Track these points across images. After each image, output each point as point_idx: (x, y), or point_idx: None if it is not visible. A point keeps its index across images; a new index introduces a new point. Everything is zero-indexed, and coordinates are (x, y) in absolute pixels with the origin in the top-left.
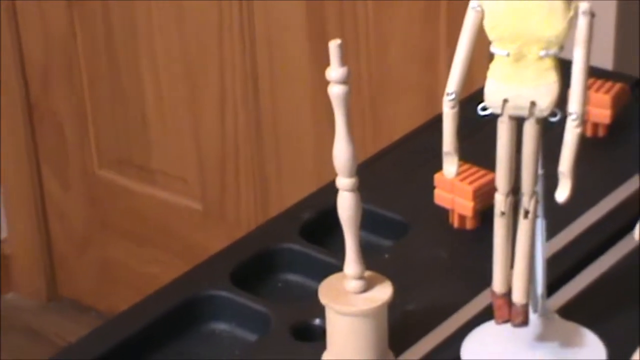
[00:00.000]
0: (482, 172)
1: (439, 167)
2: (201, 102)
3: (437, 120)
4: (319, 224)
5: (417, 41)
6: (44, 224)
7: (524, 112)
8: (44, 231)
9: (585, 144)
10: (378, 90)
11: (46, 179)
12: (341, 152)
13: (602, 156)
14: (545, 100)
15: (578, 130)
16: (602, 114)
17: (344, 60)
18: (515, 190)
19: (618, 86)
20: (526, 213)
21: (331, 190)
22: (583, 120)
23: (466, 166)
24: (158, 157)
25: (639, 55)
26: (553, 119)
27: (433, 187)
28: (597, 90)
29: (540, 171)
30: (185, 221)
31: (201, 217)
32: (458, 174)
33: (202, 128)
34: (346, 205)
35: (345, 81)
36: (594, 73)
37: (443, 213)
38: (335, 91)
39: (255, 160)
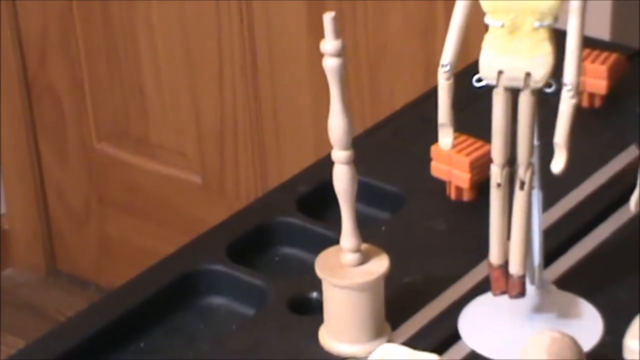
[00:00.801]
0: (479, 143)
1: (436, 139)
2: (199, 74)
3: (435, 92)
4: (316, 197)
5: (416, 12)
6: (43, 199)
7: (519, 84)
8: (42, 206)
9: (581, 115)
10: (377, 61)
11: (44, 154)
12: (336, 125)
13: (598, 127)
14: (540, 72)
15: (573, 101)
16: (598, 84)
17: (338, 33)
18: (511, 162)
19: (614, 57)
20: (522, 184)
21: (328, 163)
22: (578, 91)
23: (463, 138)
24: (156, 130)
25: (638, 25)
26: (548, 90)
27: (430, 159)
28: (593, 61)
29: (536, 142)
30: (184, 195)
31: (200, 191)
32: (455, 145)
33: (200, 101)
34: (341, 178)
35: (339, 54)
36: (590, 44)
37: (440, 185)
38: (330, 64)
39: (254, 133)
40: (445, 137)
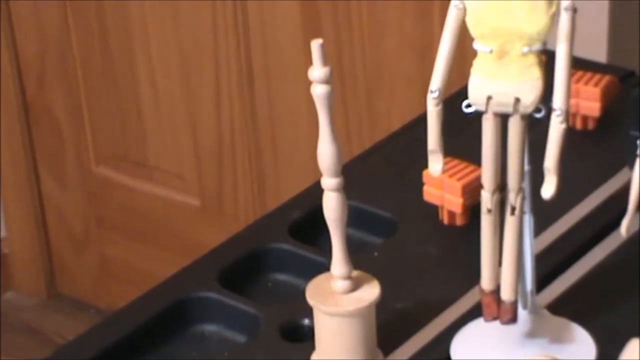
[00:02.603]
0: (471, 167)
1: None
2: (197, 96)
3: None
4: (309, 223)
5: (412, 32)
6: (42, 222)
7: (508, 109)
8: (42, 230)
9: (575, 137)
10: (373, 82)
11: (43, 177)
12: (325, 153)
13: (591, 149)
14: (529, 97)
15: (563, 125)
16: (592, 106)
17: (326, 60)
18: (502, 187)
19: (607, 79)
20: (513, 209)
21: (320, 188)
22: (567, 116)
23: (455, 162)
24: (155, 153)
25: (638, 47)
26: (537, 115)
27: (422, 184)
28: (587, 83)
29: (526, 167)
30: (183, 217)
31: (199, 213)
32: (447, 170)
33: (198, 123)
34: (331, 206)
35: (327, 81)
36: (583, 66)
37: (433, 209)
38: (318, 91)
39: (252, 154)
40: (435, 163)
